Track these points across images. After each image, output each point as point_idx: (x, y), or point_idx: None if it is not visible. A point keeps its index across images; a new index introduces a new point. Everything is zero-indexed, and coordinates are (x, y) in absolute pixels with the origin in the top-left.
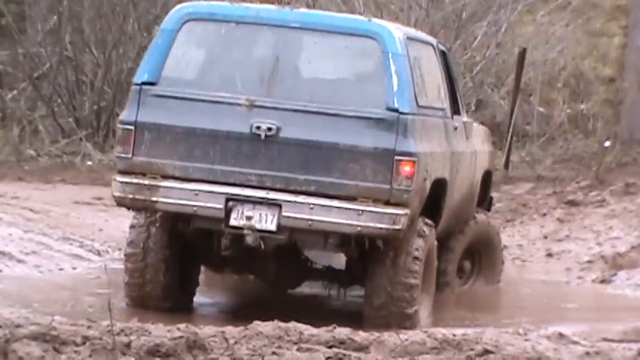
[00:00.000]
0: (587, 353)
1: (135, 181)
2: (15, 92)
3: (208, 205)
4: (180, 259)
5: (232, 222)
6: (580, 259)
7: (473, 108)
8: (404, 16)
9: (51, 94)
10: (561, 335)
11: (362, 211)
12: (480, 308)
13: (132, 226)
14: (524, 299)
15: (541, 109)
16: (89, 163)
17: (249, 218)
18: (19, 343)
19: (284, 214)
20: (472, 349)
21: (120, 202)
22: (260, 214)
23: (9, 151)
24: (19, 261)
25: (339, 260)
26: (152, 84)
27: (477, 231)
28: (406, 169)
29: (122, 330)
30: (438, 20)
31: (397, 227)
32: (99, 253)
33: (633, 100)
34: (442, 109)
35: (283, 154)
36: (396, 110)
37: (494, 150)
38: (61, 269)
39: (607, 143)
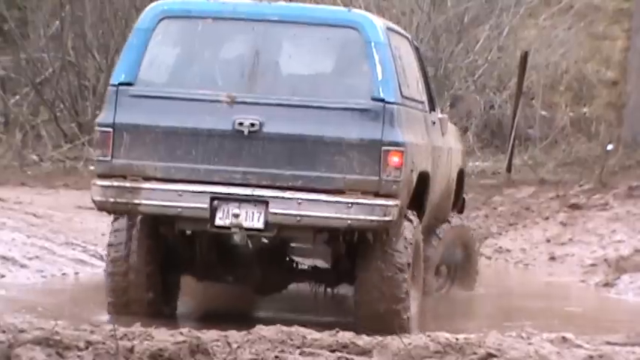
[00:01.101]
0: (591, 357)
1: (116, 184)
2: (18, 97)
3: (193, 205)
4: (161, 266)
5: (218, 222)
6: (583, 262)
7: (448, 105)
8: (406, 20)
9: (53, 99)
10: (564, 339)
11: (351, 204)
12: (482, 312)
13: (113, 230)
14: (526, 302)
15: (543, 113)
16: (92, 167)
17: (236, 216)
18: (22, 348)
19: (271, 210)
20: (475, 353)
21: (101, 207)
22: (246, 212)
23: (12, 156)
24: (22, 266)
25: (325, 259)
26: (129, 84)
27: (453, 236)
28: (394, 159)
29: (125, 334)
30: (440, 24)
31: (388, 219)
32: (102, 258)
33: (636, 103)
34: (422, 102)
35: (267, 149)
36: (381, 100)
37: (465, 149)
38: (64, 274)
39: (610, 146)
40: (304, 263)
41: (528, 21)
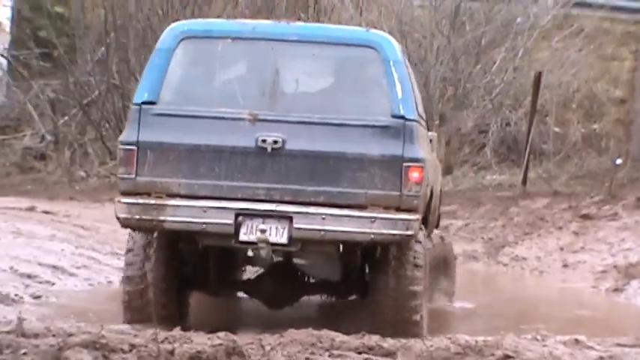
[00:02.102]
0: (602, 358)
1: (141, 201)
2: (66, 118)
3: (218, 221)
4: (176, 283)
5: (242, 237)
6: (594, 269)
7: (437, 122)
8: (427, 43)
9: (100, 119)
10: (577, 341)
11: (374, 218)
12: (500, 315)
13: (129, 249)
14: (541, 307)
15: (556, 129)
16: None
17: (262, 231)
18: (71, 351)
19: (295, 225)
20: (493, 354)
21: (126, 224)
22: (270, 228)
23: (61, 172)
24: (71, 274)
25: (333, 274)
26: (152, 103)
27: (438, 249)
28: (414, 175)
29: (166, 338)
30: (459, 47)
31: (409, 233)
32: None
33: None
34: (425, 120)
35: (290, 166)
36: (402, 117)
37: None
38: (109, 282)
39: (619, 160)
40: (315, 277)
41: (542, 44)
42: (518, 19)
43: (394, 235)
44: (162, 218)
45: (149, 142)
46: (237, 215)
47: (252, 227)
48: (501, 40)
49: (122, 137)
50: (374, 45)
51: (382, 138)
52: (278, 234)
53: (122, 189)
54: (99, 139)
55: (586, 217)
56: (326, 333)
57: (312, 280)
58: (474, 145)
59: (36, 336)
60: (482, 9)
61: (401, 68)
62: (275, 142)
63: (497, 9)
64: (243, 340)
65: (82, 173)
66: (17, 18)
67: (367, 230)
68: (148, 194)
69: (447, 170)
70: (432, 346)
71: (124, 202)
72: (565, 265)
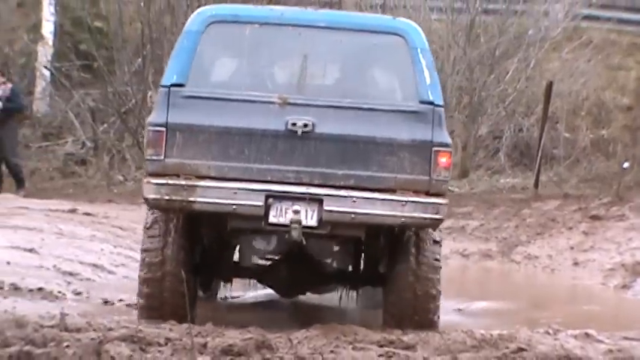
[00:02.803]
0: (610, 350)
1: (171, 182)
2: (105, 125)
3: (248, 203)
4: (193, 271)
5: (272, 219)
6: (603, 267)
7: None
8: (444, 54)
9: (136, 127)
10: (587, 335)
11: (405, 202)
12: (514, 311)
13: (148, 237)
14: (552, 302)
15: (567, 135)
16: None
17: (296, 212)
18: (110, 344)
19: (325, 208)
20: (507, 347)
21: (155, 205)
22: (300, 210)
23: (100, 176)
24: (110, 272)
25: (343, 263)
26: (180, 85)
27: None
28: (443, 160)
29: (199, 332)
30: (474, 57)
31: (439, 217)
32: None
33: None
34: None
35: (320, 149)
36: (430, 103)
37: None
38: None
39: (626, 164)
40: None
41: (552, 54)
42: (530, 32)
43: (425, 218)
44: (192, 199)
45: (178, 123)
46: (267, 197)
47: (282, 209)
48: (514, 52)
49: (151, 119)
50: (401, 32)
51: (411, 123)
52: (308, 216)
53: (150, 170)
54: (136, 145)
55: (595, 217)
56: (349, 327)
57: (328, 270)
58: (489, 150)
59: (78, 330)
60: (495, 22)
61: (428, 55)
62: (305, 125)
63: (509, 22)
64: (273, 334)
65: (120, 177)
66: (60, 32)
67: (398, 214)
68: (177, 175)
69: (464, 174)
70: (449, 339)
71: (154, 183)
72: (575, 264)
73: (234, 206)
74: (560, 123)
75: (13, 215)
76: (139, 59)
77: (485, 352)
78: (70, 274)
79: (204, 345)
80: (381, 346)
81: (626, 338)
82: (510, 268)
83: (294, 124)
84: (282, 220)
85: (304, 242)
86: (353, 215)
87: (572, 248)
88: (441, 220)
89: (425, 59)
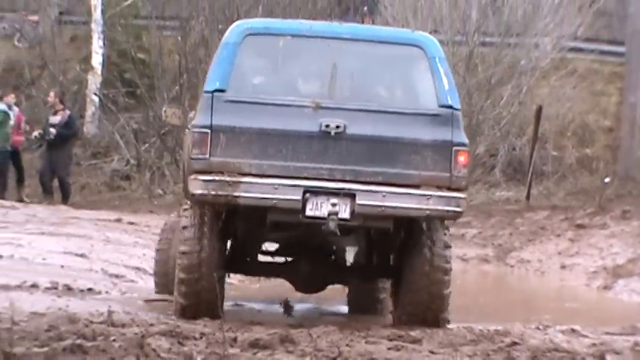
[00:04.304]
0: (594, 344)
1: (217, 178)
2: (147, 145)
3: (287, 197)
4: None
5: (308, 212)
6: (587, 270)
7: None
8: None
9: (174, 146)
10: (573, 330)
11: (430, 196)
12: (508, 308)
13: (184, 239)
14: (542, 301)
15: (554, 153)
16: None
17: (334, 205)
18: (152, 339)
19: (358, 202)
20: (502, 341)
21: (201, 200)
22: (338, 203)
23: (142, 190)
24: (151, 275)
25: (359, 257)
26: (222, 91)
27: None
28: (461, 158)
29: (230, 328)
30: (472, 84)
31: (460, 209)
32: None
33: (628, 146)
34: None
35: (351, 149)
36: (449, 106)
37: None
38: None
39: (607, 179)
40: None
41: (542, 82)
42: (522, 62)
43: (448, 211)
44: (236, 194)
45: (221, 125)
46: (304, 192)
47: (317, 203)
48: (508, 79)
49: (196, 122)
50: (420, 44)
51: (432, 125)
52: (342, 210)
53: (196, 168)
54: (174, 162)
55: (580, 226)
56: (362, 324)
57: (345, 264)
58: (486, 167)
59: (123, 326)
60: (491, 53)
61: (444, 64)
62: (337, 126)
63: (504, 53)
64: (295, 329)
65: (160, 191)
66: (107, 63)
67: (424, 206)
68: (221, 173)
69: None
70: (451, 334)
71: (201, 180)
72: (562, 267)
73: (274, 200)
74: (548, 143)
75: (66, 224)
76: (177, 87)
77: (483, 346)
78: (116, 276)
79: (235, 339)
80: (391, 340)
81: (607, 333)
82: (505, 271)
83: (327, 126)
84: (317, 213)
85: (338, 233)
86: (383, 208)
87: (559, 253)
88: (460, 213)
89: (442, 67)
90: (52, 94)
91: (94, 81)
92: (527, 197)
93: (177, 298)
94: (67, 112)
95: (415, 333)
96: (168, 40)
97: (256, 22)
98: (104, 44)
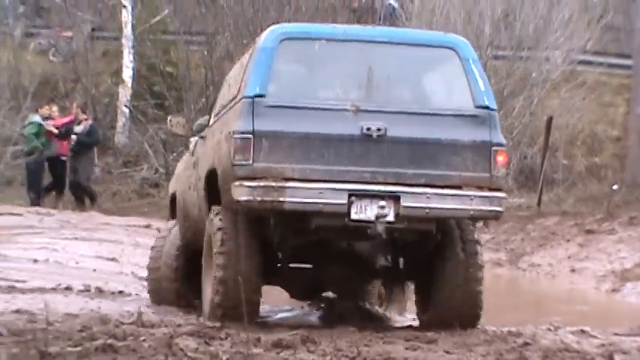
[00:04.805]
0: (603, 344)
1: (263, 184)
2: (175, 154)
3: (332, 201)
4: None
5: (353, 216)
6: (596, 273)
7: None
8: None
9: None
10: (583, 331)
11: (473, 196)
12: (521, 310)
13: (221, 240)
14: (553, 303)
15: (565, 162)
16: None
17: (382, 207)
18: (180, 339)
19: (403, 204)
20: (515, 342)
21: (247, 205)
22: (385, 206)
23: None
24: None
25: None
26: (262, 96)
27: None
28: (500, 158)
29: (254, 328)
30: None
31: (501, 209)
32: None
33: (635, 155)
34: None
35: (392, 151)
36: (487, 107)
37: None
38: None
39: (615, 186)
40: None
41: (552, 93)
42: (533, 74)
43: (490, 211)
44: (282, 199)
45: (264, 130)
46: (349, 196)
47: (362, 207)
48: (520, 91)
49: (237, 127)
50: (453, 46)
51: (471, 126)
52: (387, 212)
53: (239, 175)
54: None
55: (589, 232)
56: (380, 325)
57: (376, 266)
58: None
59: (152, 326)
60: (504, 66)
61: (478, 65)
62: (379, 129)
63: (516, 66)
64: (316, 330)
65: None
66: (137, 76)
67: (467, 207)
68: (265, 178)
69: None
70: (465, 335)
71: (246, 186)
72: (572, 271)
73: (320, 205)
74: (559, 151)
75: (97, 230)
76: (203, 99)
77: (497, 346)
78: (146, 279)
79: (258, 339)
80: (407, 340)
81: (616, 334)
82: (517, 275)
83: (368, 129)
84: (362, 217)
85: (384, 236)
86: (427, 210)
87: (569, 258)
88: (501, 213)
89: (477, 68)
90: (74, 105)
91: (124, 93)
92: (539, 204)
93: (214, 298)
94: (90, 121)
95: (431, 334)
96: (195, 54)
97: (291, 27)
98: (134, 58)
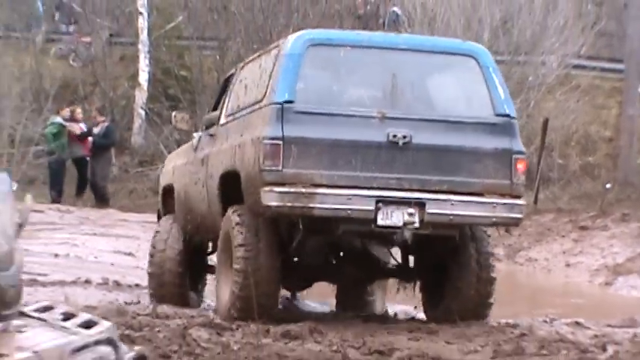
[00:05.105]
0: (596, 335)
1: (293, 190)
2: None
3: (360, 207)
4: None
5: (380, 222)
6: (590, 268)
7: None
8: None
9: None
10: (577, 323)
11: (496, 204)
12: (518, 302)
13: (241, 233)
14: (549, 296)
15: (560, 161)
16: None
17: (410, 214)
18: (193, 329)
19: (428, 211)
20: (512, 333)
21: (277, 211)
22: (413, 213)
23: None
24: None
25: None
26: (290, 102)
27: None
28: (520, 166)
29: (263, 320)
30: None
31: (521, 216)
32: None
33: (627, 154)
34: None
35: (417, 158)
36: (507, 115)
37: None
38: None
39: (608, 185)
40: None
41: (548, 96)
42: (530, 78)
43: (512, 218)
44: (311, 205)
45: (293, 137)
46: (377, 202)
47: (388, 213)
48: (517, 94)
49: (266, 133)
50: (472, 54)
51: (492, 133)
52: (414, 219)
53: (268, 180)
54: None
55: (583, 228)
56: (384, 317)
57: (387, 265)
58: None
59: (167, 317)
60: (502, 70)
61: (498, 73)
62: (404, 136)
63: (513, 70)
64: (324, 322)
65: None
66: (153, 80)
67: (490, 214)
68: (294, 184)
69: None
70: (465, 326)
71: (277, 192)
72: (567, 265)
73: (348, 211)
74: (554, 151)
75: (115, 226)
76: None
77: (495, 337)
78: None
79: (267, 330)
80: (410, 331)
81: (608, 325)
82: (514, 269)
83: (394, 136)
84: (389, 222)
85: (409, 242)
86: (452, 217)
87: (564, 252)
88: (521, 220)
89: (497, 77)
90: (93, 107)
91: (140, 96)
92: (535, 201)
93: (235, 289)
94: (106, 123)
95: (433, 325)
96: (207, 58)
97: (318, 33)
98: (150, 63)
